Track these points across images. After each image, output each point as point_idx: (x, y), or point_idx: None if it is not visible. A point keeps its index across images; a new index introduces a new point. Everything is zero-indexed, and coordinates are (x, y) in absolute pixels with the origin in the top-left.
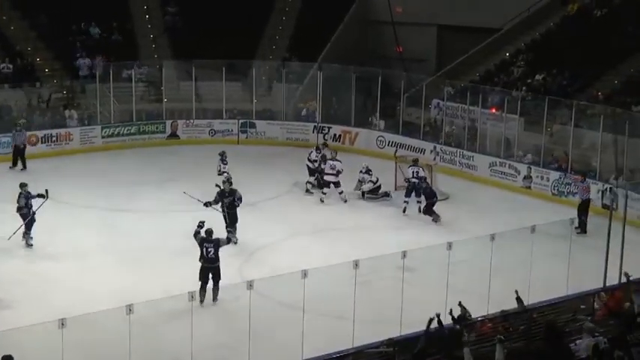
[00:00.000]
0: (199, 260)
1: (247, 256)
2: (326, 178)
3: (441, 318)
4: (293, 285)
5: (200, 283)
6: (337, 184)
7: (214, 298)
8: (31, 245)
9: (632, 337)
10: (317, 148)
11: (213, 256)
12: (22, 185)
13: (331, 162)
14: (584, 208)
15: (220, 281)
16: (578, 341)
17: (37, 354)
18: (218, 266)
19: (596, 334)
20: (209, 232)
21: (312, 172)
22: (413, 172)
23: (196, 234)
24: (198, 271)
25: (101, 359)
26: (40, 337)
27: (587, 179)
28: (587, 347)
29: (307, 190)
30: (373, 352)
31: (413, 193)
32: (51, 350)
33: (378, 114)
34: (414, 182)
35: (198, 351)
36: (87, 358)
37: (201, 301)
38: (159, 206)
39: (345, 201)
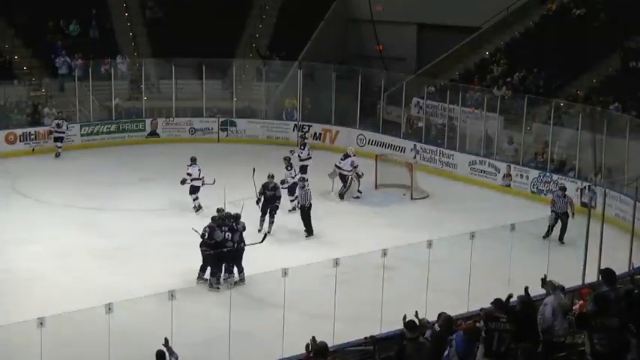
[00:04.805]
0: None
1: None
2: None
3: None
4: (273, 283)
5: None
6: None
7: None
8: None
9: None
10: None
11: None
12: (219, 211)
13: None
14: (564, 219)
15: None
16: (546, 299)
17: (15, 352)
18: (202, 251)
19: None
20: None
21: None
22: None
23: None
24: None
25: (80, 358)
26: (18, 336)
27: (567, 195)
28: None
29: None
30: (354, 350)
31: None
32: (29, 349)
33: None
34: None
35: (177, 349)
36: (65, 357)
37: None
38: (138, 205)
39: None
